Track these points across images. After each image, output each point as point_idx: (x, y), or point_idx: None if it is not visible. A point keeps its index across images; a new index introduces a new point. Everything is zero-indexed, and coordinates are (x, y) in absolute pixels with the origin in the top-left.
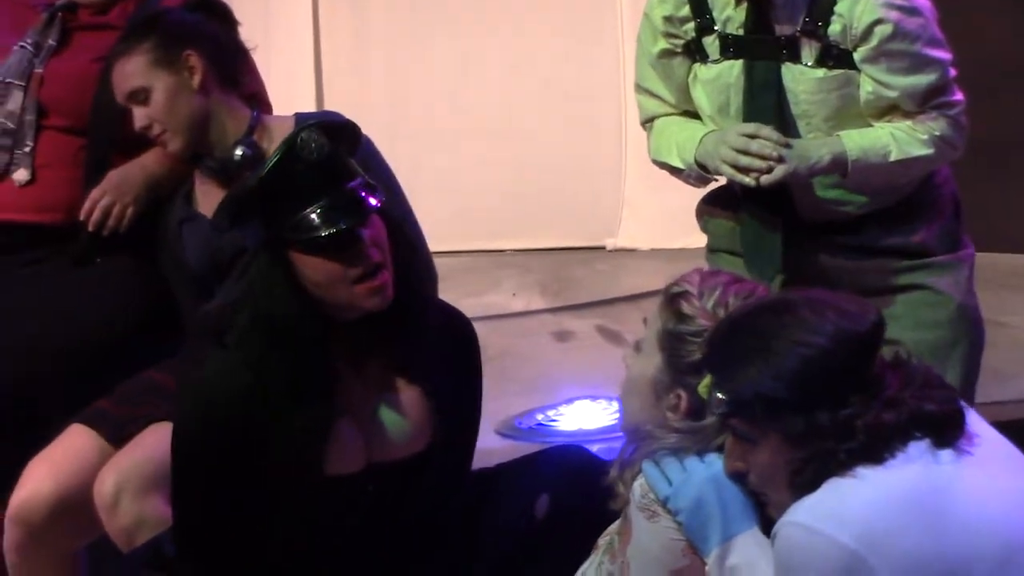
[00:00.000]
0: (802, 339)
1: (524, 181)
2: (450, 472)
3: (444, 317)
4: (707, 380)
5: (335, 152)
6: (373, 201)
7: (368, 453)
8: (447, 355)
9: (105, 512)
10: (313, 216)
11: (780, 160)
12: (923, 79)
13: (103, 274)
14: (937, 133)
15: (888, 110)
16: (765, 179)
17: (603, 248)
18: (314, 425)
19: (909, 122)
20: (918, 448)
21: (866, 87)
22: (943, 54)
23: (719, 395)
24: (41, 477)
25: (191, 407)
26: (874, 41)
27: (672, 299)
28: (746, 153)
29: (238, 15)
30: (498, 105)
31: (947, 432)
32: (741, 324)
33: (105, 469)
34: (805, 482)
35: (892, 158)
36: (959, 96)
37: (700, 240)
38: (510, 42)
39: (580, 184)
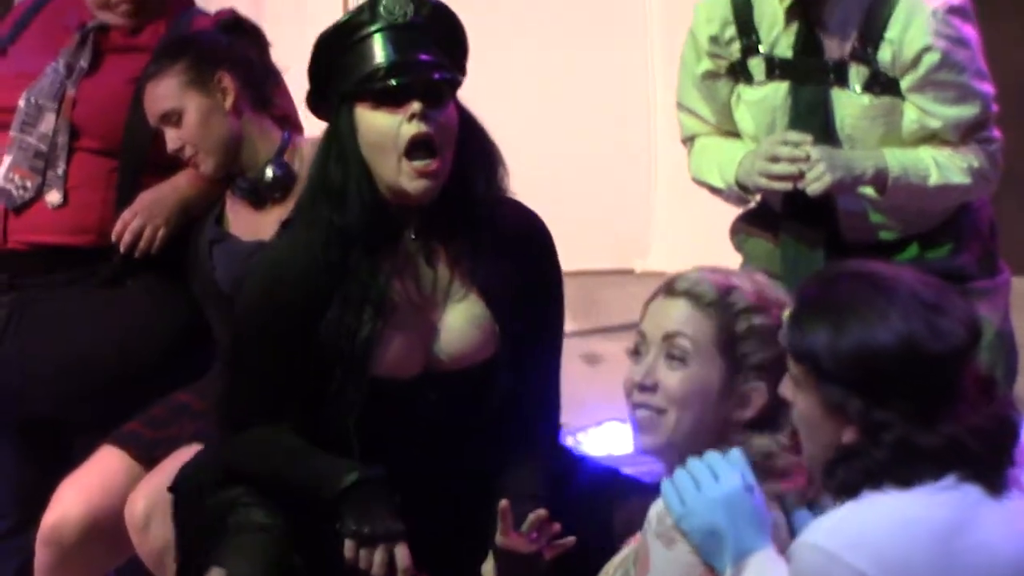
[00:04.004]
0: (874, 327)
1: (551, 203)
2: (522, 387)
3: (518, 223)
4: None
5: (419, 22)
6: (447, 75)
7: (425, 358)
8: (519, 263)
9: (136, 534)
10: (383, 68)
11: (808, 159)
12: (967, 111)
13: (134, 295)
14: (976, 165)
15: (929, 139)
16: (813, 187)
17: (632, 271)
18: (369, 318)
19: (949, 150)
20: (952, 480)
21: (910, 115)
22: (987, 87)
23: (786, 333)
24: (72, 499)
25: (256, 276)
26: (922, 69)
27: (720, 298)
28: (777, 160)
29: (274, 31)
30: (523, 125)
31: (988, 468)
32: (835, 283)
33: (136, 491)
34: (836, 483)
35: (931, 182)
36: (998, 133)
37: (731, 262)
38: (536, 61)
39: (608, 206)
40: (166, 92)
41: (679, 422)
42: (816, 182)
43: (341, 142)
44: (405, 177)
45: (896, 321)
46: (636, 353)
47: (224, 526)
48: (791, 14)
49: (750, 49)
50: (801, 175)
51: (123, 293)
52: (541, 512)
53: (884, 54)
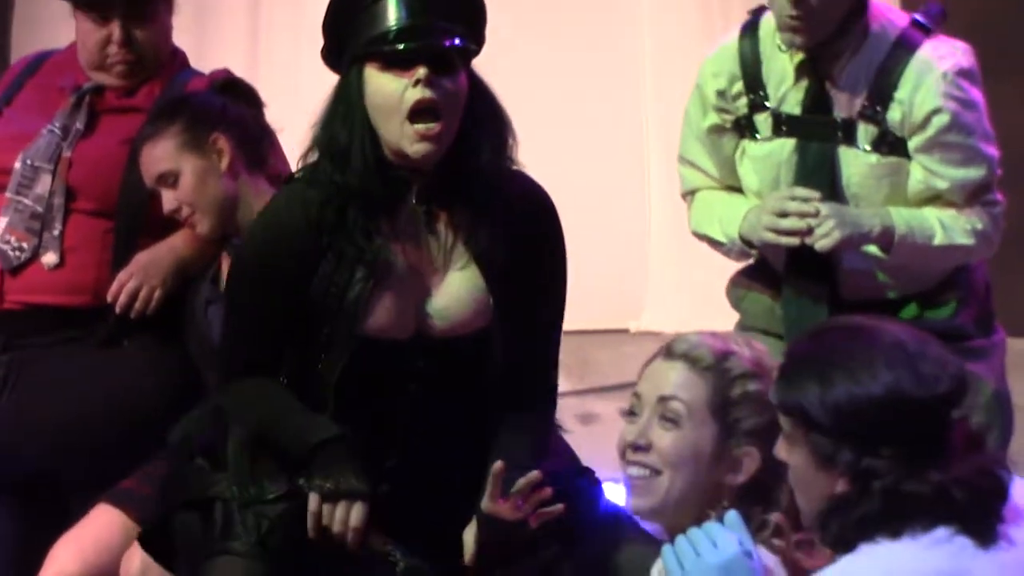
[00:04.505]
0: (860, 377)
1: None
2: (518, 361)
3: (523, 195)
4: None
5: None
6: (457, 41)
7: (417, 321)
8: (521, 235)
9: None
10: (392, 31)
11: (818, 214)
12: (973, 173)
13: (131, 355)
14: (979, 227)
15: (933, 200)
16: (821, 243)
17: (626, 331)
18: (361, 277)
19: (954, 211)
20: (944, 532)
21: (916, 175)
22: (993, 150)
23: (776, 389)
24: (67, 558)
25: (254, 229)
26: (931, 131)
27: (717, 363)
28: (785, 215)
29: (268, 90)
30: None
31: (977, 521)
32: (820, 338)
33: (131, 549)
34: (831, 536)
35: (936, 242)
36: (1000, 196)
37: (726, 322)
38: (529, 121)
39: (603, 266)
40: (162, 154)
41: (672, 484)
42: (824, 238)
43: (348, 102)
44: (407, 140)
45: (881, 370)
46: (631, 413)
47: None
48: (801, 71)
49: (757, 105)
50: (809, 230)
51: (119, 353)
52: (535, 474)
53: (894, 114)
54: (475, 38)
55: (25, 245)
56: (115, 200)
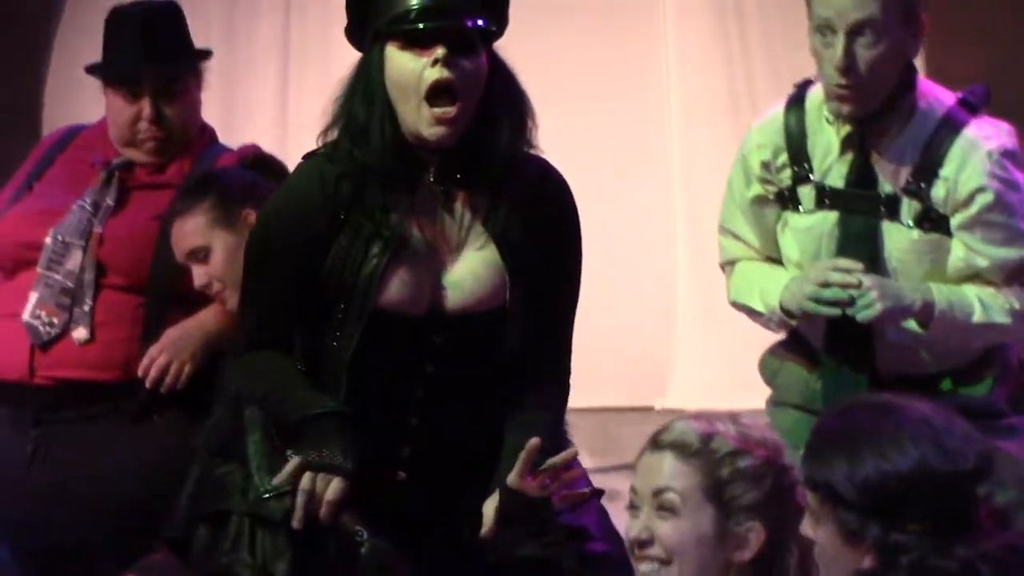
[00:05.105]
0: (887, 453)
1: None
2: (532, 343)
3: (541, 178)
4: None
5: None
6: (479, 22)
7: (432, 297)
8: (538, 217)
9: None
10: (413, 10)
11: (860, 285)
12: (1014, 253)
13: (160, 430)
14: (1018, 307)
15: (972, 278)
16: (863, 315)
17: (651, 408)
18: (377, 252)
19: (992, 289)
20: None
21: (957, 252)
22: None
23: (803, 466)
24: None
25: (271, 203)
26: (974, 209)
27: (703, 446)
28: (827, 285)
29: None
30: None
31: None
32: (847, 415)
33: None
34: None
35: (975, 319)
36: None
37: (751, 400)
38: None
39: (628, 344)
40: (193, 229)
41: (681, 572)
42: (866, 309)
43: (369, 79)
44: (424, 123)
45: (908, 446)
46: (633, 508)
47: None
48: (847, 144)
49: (801, 177)
50: (851, 301)
51: (149, 428)
52: (572, 450)
53: (938, 190)
54: (496, 19)
55: (56, 320)
56: (145, 275)
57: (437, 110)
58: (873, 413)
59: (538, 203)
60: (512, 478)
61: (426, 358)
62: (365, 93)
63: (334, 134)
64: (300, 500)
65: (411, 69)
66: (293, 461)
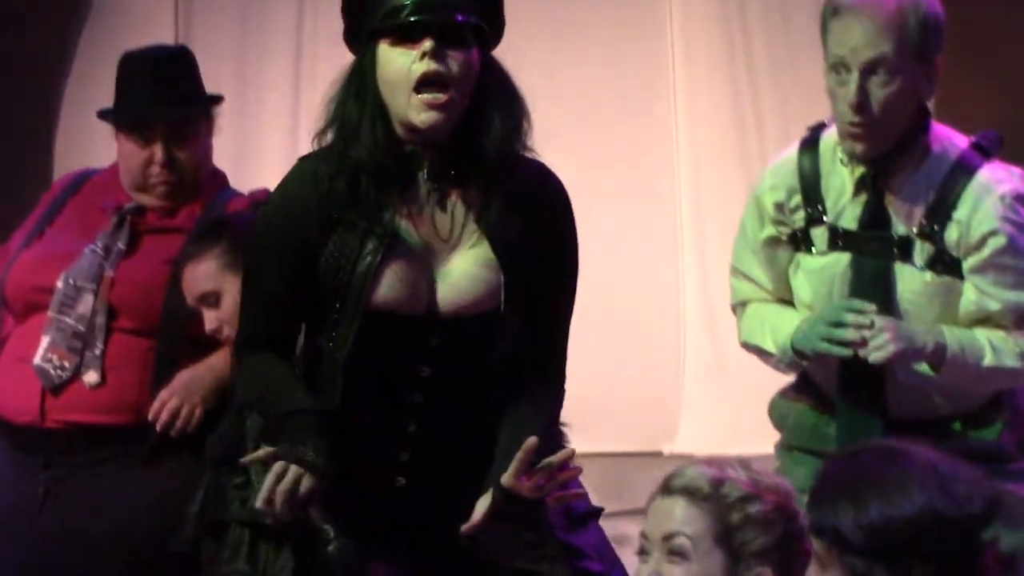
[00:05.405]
0: (893, 497)
1: (580, 386)
2: (527, 346)
3: (535, 179)
4: None
5: None
6: (469, 17)
7: (428, 297)
8: (532, 218)
9: None
10: (404, 6)
11: (873, 326)
12: None
13: (171, 474)
14: None
15: (983, 321)
16: (875, 356)
17: (660, 453)
18: (371, 249)
19: (1003, 333)
20: None
21: (969, 295)
22: None
23: (808, 511)
24: None
25: (267, 203)
26: (987, 252)
27: (714, 491)
28: (840, 325)
29: None
30: None
31: None
32: (852, 460)
33: None
34: None
35: (985, 363)
36: None
37: (760, 445)
38: None
39: (637, 390)
40: (205, 274)
41: None
42: (879, 351)
43: (362, 79)
44: (414, 110)
45: (915, 490)
46: (643, 553)
47: None
48: (860, 185)
49: (814, 218)
50: (864, 342)
51: (159, 472)
52: (569, 450)
53: (951, 233)
54: (489, 19)
55: (67, 364)
56: (157, 319)
57: (427, 95)
58: (879, 458)
59: (534, 203)
60: (507, 477)
61: (422, 361)
62: (358, 93)
63: (329, 137)
64: (268, 482)
65: (401, 63)
66: (265, 449)
